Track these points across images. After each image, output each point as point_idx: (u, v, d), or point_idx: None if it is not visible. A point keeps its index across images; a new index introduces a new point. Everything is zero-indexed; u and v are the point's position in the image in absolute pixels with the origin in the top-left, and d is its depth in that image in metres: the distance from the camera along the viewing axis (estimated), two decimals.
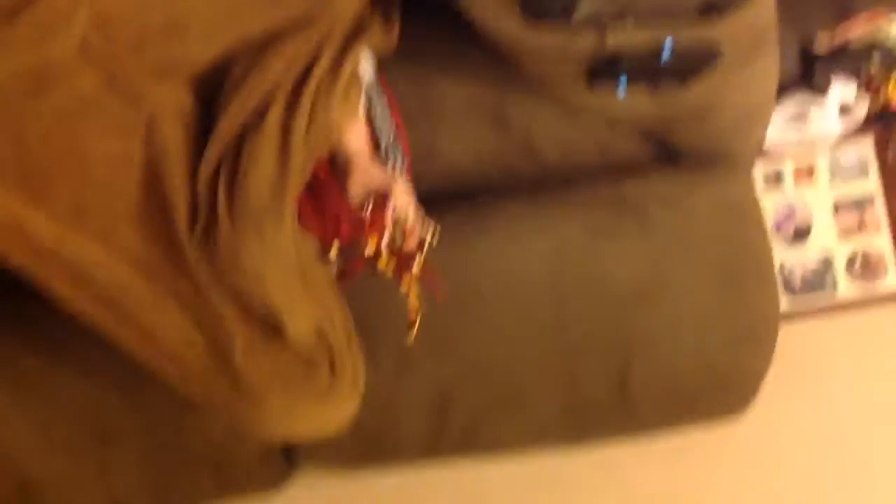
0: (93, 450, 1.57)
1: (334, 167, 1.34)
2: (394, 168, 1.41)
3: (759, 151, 1.74)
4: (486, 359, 1.60)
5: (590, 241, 1.58)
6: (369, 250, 1.23)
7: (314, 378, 1.25)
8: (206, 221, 1.13)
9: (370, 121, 1.40)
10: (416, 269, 1.24)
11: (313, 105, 1.15)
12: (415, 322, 1.28)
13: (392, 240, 1.23)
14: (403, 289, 1.26)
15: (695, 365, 1.62)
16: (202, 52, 1.13)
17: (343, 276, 1.44)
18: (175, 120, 1.14)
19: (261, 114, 1.14)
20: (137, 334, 1.23)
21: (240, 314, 1.21)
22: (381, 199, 1.24)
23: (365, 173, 1.25)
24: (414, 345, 1.55)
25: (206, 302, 1.21)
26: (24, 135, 1.09)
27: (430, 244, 1.26)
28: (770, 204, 1.99)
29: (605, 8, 1.10)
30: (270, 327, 1.21)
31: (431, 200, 1.42)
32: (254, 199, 1.11)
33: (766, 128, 1.62)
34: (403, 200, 1.24)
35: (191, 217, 1.14)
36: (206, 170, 1.13)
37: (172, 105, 1.14)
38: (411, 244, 1.24)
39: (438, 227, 1.27)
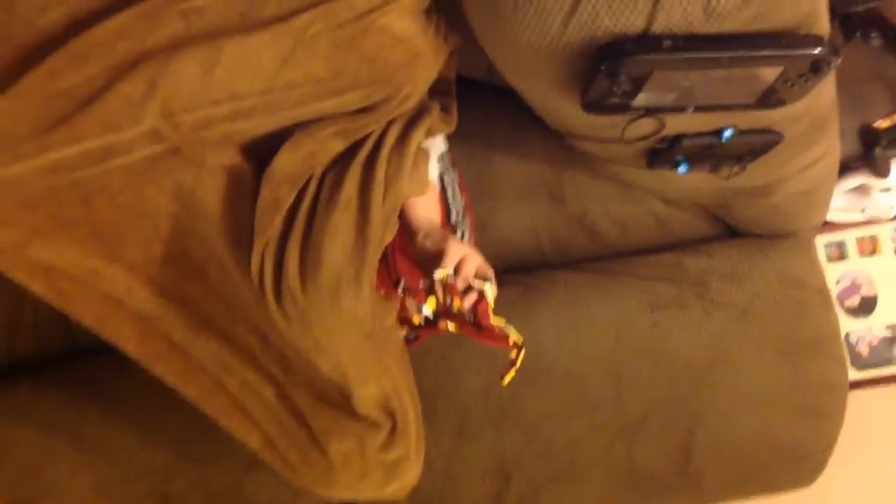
0: None
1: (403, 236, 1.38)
2: (461, 240, 1.43)
3: (822, 223, 1.73)
4: (545, 429, 1.60)
5: (651, 316, 1.58)
6: (416, 320, 1.22)
7: (379, 445, 1.26)
8: (259, 281, 1.14)
9: (443, 191, 1.44)
10: (487, 321, 1.20)
11: (387, 177, 1.16)
12: (514, 362, 1.22)
13: (442, 301, 1.21)
14: (496, 326, 1.22)
15: (760, 438, 1.61)
16: (260, 129, 1.15)
17: (413, 340, 1.46)
18: (228, 182, 1.17)
19: (332, 187, 1.15)
20: (204, 390, 1.26)
21: (307, 382, 1.24)
22: (432, 261, 1.22)
23: (425, 239, 1.26)
24: (474, 414, 1.58)
25: (272, 364, 1.24)
26: (94, 196, 1.13)
27: (489, 293, 1.22)
28: (834, 275, 1.98)
29: (663, 101, 1.11)
30: (338, 393, 1.22)
31: None
32: (328, 271, 1.11)
33: (827, 205, 1.61)
34: (454, 257, 1.21)
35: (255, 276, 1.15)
36: (259, 232, 1.14)
37: (228, 165, 1.17)
38: (466, 302, 1.21)
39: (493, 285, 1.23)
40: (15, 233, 1.13)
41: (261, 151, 1.17)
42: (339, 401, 1.23)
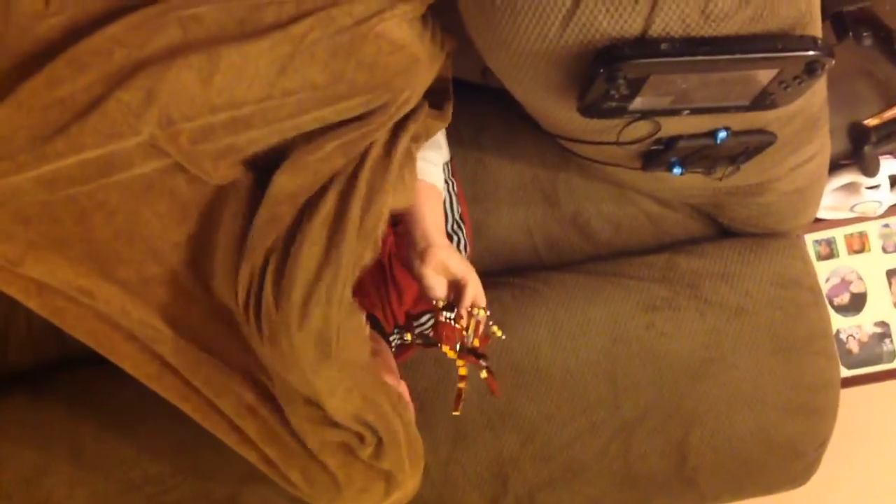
0: None
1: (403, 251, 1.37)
2: (458, 248, 1.43)
3: (812, 222, 1.75)
4: (542, 431, 1.60)
5: (645, 317, 1.59)
6: (450, 354, 1.19)
7: (369, 456, 1.25)
8: (245, 298, 1.13)
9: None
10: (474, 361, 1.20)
11: (369, 190, 1.14)
12: (460, 395, 1.23)
13: (465, 339, 1.19)
14: (459, 368, 1.22)
15: (755, 437, 1.62)
16: (261, 141, 1.14)
17: (400, 353, 1.45)
18: (232, 196, 1.16)
19: (317, 199, 1.14)
20: (199, 409, 1.25)
21: (299, 396, 1.21)
22: (458, 292, 1.20)
23: (446, 258, 1.21)
24: (471, 418, 1.58)
25: (268, 381, 1.22)
26: (89, 213, 1.12)
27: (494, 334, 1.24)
28: (823, 273, 1.99)
29: (659, 105, 1.12)
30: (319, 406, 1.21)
31: (482, 277, 1.43)
32: (300, 288, 1.09)
33: (818, 203, 1.63)
34: (477, 289, 1.20)
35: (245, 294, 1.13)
36: (251, 248, 1.12)
37: (229, 181, 1.15)
38: (482, 341, 1.21)
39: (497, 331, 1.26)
40: (10, 249, 1.11)
41: (263, 165, 1.16)
42: (326, 414, 1.21)
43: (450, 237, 1.42)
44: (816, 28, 1.08)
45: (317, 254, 1.11)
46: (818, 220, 1.96)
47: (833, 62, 1.06)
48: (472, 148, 1.61)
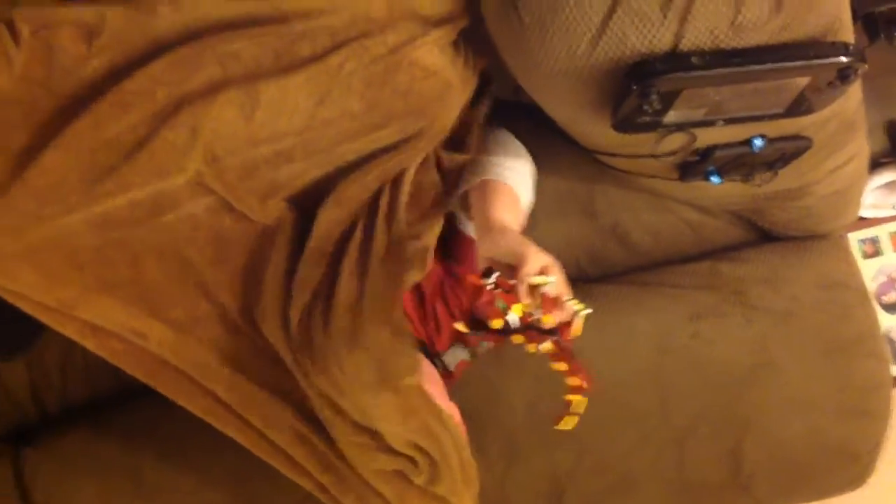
0: None
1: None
2: None
3: (854, 221, 1.73)
4: (595, 443, 1.60)
5: (692, 325, 1.58)
6: (496, 324, 1.05)
7: (424, 481, 1.25)
8: (297, 333, 1.15)
9: None
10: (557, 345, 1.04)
11: (387, 207, 1.17)
12: (569, 404, 1.08)
13: (528, 313, 1.04)
14: (557, 367, 1.06)
15: (808, 442, 1.61)
16: (304, 175, 1.16)
17: (451, 374, 1.45)
18: (278, 235, 1.18)
19: (352, 230, 1.17)
20: (253, 441, 1.27)
21: (346, 422, 1.23)
22: (512, 266, 1.05)
23: (501, 236, 1.14)
24: (522, 434, 1.58)
25: (322, 410, 1.24)
26: (141, 256, 1.14)
27: (583, 318, 1.06)
28: (869, 271, 1.97)
29: (693, 117, 1.12)
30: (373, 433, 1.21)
31: None
32: (343, 310, 1.11)
33: (858, 203, 1.61)
34: (540, 265, 1.05)
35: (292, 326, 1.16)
36: (301, 284, 1.15)
37: (275, 220, 1.18)
38: (553, 319, 1.04)
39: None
40: (65, 292, 1.14)
41: (306, 203, 1.18)
42: (380, 441, 1.22)
43: None
44: (847, 33, 1.08)
45: (355, 281, 1.13)
46: (862, 219, 1.94)
47: (866, 67, 1.06)
48: None
